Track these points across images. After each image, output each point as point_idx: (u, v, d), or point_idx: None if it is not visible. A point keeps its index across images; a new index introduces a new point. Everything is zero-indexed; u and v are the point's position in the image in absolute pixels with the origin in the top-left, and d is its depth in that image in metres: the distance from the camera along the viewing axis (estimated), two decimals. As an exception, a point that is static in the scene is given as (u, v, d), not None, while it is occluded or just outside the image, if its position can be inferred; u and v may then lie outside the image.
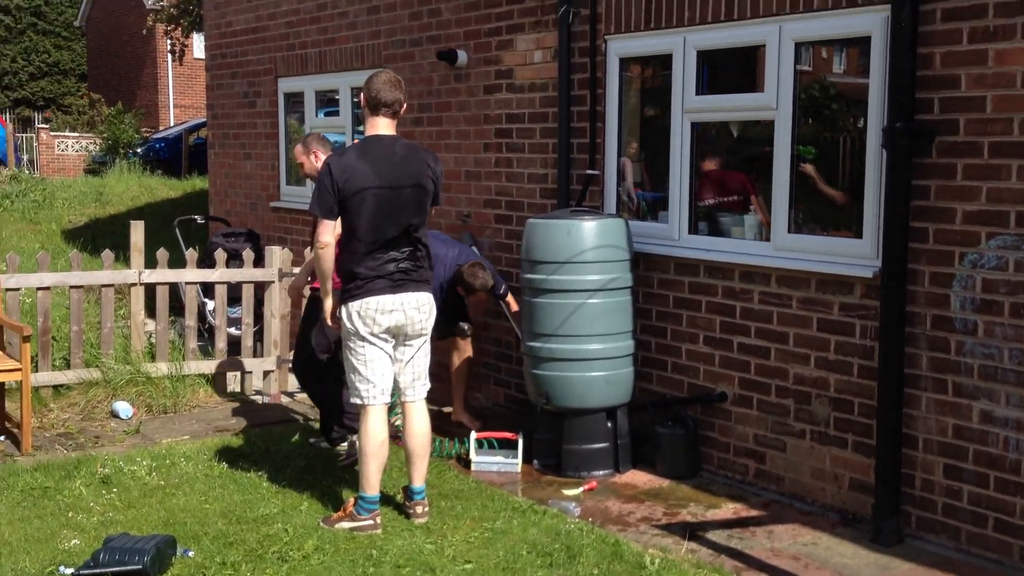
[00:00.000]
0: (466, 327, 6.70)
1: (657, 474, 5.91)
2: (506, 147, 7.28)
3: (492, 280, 6.46)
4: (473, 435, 6.09)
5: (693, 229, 6.15)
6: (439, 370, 7.37)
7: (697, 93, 6.03)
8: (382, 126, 5.04)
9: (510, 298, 6.64)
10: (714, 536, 5.00)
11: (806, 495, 5.47)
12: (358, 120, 8.76)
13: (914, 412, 4.95)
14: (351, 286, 4.93)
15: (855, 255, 5.24)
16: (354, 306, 4.91)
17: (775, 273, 5.55)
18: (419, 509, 5.11)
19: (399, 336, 5.04)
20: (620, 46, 6.48)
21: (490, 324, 7.34)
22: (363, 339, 4.94)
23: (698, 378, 6.03)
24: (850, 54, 5.55)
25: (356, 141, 5.07)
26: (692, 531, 5.05)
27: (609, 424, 5.92)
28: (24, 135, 27.69)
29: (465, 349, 6.90)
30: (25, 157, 24.91)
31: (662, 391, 6.24)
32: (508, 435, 6.08)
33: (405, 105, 5.11)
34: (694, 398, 6.00)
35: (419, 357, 5.15)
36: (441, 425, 6.71)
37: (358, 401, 5.02)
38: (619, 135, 6.57)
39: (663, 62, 6.28)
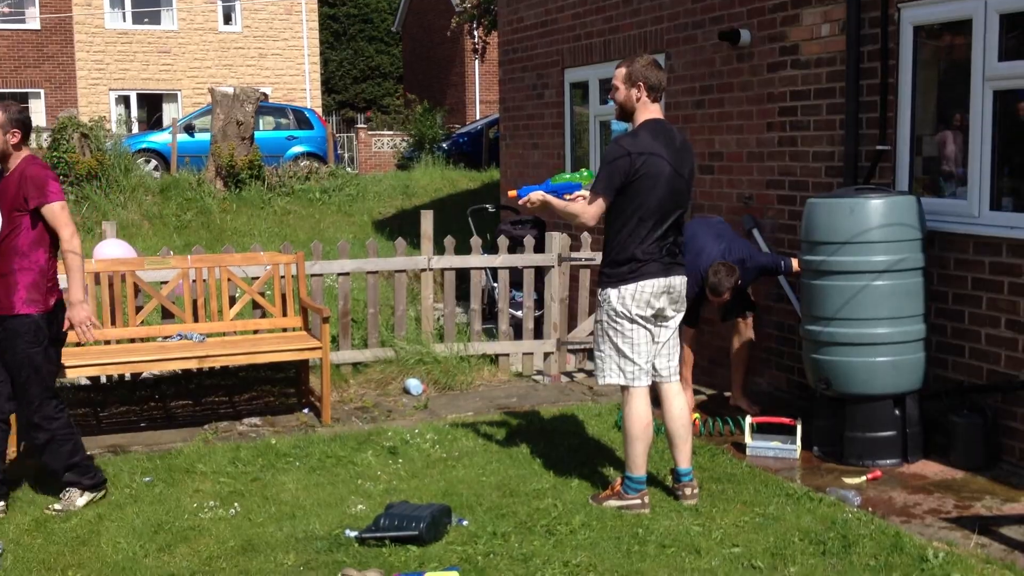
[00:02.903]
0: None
1: (950, 465, 5.49)
2: (790, 125, 7.00)
3: (726, 285, 6.16)
4: (748, 419, 5.91)
5: (995, 205, 5.63)
6: (719, 354, 7.23)
7: (999, 60, 5.51)
8: (658, 111, 5.01)
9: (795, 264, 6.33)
10: (1009, 531, 4.57)
11: None
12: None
13: None
14: (625, 268, 4.91)
15: None
16: (628, 289, 4.89)
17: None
18: (687, 491, 5.03)
19: (659, 318, 4.98)
20: (914, 14, 6.06)
21: (772, 307, 7.09)
22: (632, 320, 4.92)
23: (999, 364, 5.51)
24: None
25: (642, 123, 4.99)
26: (984, 525, 4.64)
27: (897, 412, 5.55)
28: (346, 135, 29.99)
29: (746, 332, 6.71)
30: (346, 155, 26.97)
31: (958, 378, 5.76)
32: (785, 420, 5.85)
33: None
34: (994, 385, 5.50)
35: (674, 338, 5.10)
36: (718, 409, 6.57)
37: (619, 381, 5.01)
38: (912, 108, 6.13)
39: (960, 28, 5.79)
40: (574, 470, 5.52)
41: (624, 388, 5.02)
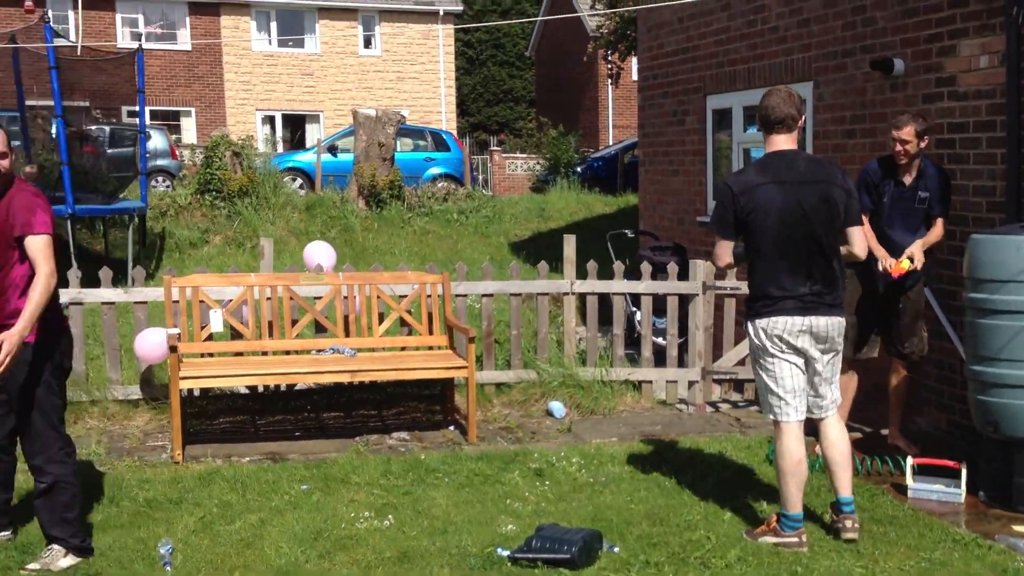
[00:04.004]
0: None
1: None
2: (948, 158, 6.80)
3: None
4: (909, 460, 5.74)
5: None
6: (876, 392, 7.04)
7: None
8: (780, 142, 4.94)
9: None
10: None
11: None
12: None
13: None
14: (759, 304, 4.88)
15: None
16: (761, 323, 4.85)
17: None
18: (848, 523, 4.90)
19: (808, 355, 4.89)
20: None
21: (931, 344, 6.88)
22: (772, 355, 4.86)
23: None
24: None
25: (760, 157, 5.01)
26: None
27: (1073, 459, 5.30)
28: (480, 157, 30.44)
29: (905, 370, 6.52)
30: (480, 177, 27.36)
31: None
32: (949, 463, 5.65)
33: (802, 118, 4.95)
34: None
35: (828, 376, 4.96)
36: (875, 448, 6.40)
37: (769, 415, 4.96)
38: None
39: None
40: (725, 503, 5.45)
41: (774, 422, 4.95)
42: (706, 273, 7.92)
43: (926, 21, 6.95)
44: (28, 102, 14.26)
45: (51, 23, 11.73)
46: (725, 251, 4.96)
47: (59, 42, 12.03)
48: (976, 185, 6.58)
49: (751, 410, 7.73)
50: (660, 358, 8.08)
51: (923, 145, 6.08)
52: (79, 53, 14.88)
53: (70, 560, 4.63)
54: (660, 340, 8.24)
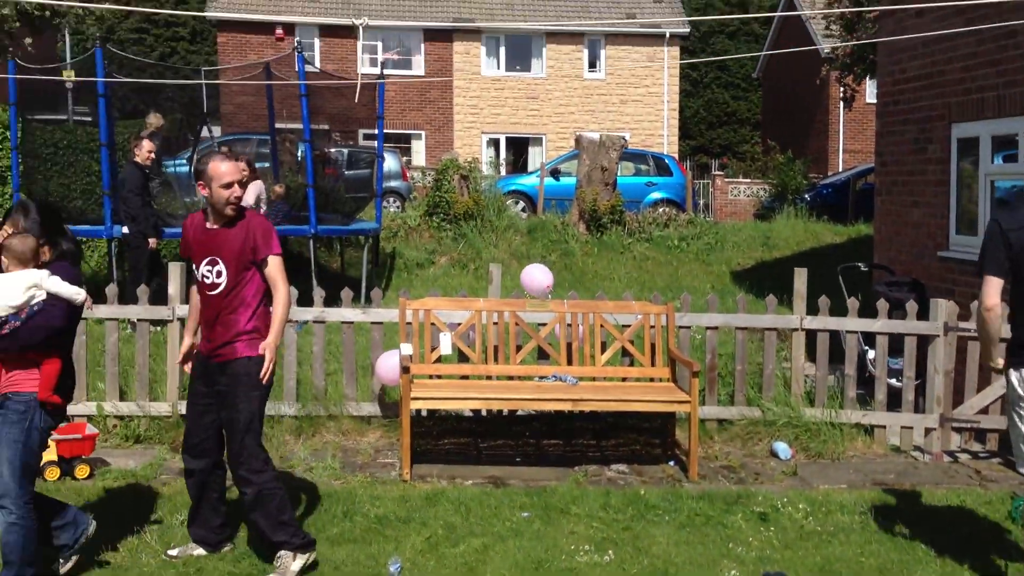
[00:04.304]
0: None
1: None
2: None
3: None
4: None
5: None
6: None
7: None
8: None
9: None
10: None
11: None
12: None
13: None
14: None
15: None
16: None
17: None
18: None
19: None
20: None
21: None
22: None
23: None
24: None
25: None
26: None
27: None
28: (701, 181, 30.08)
29: None
30: (701, 202, 27.01)
31: None
32: None
33: None
34: None
35: None
36: None
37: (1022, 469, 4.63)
38: None
39: None
40: (964, 560, 5.13)
41: (1026, 474, 4.62)
42: (948, 313, 7.49)
43: None
44: (276, 124, 15.27)
45: (303, 52, 12.48)
46: (995, 290, 4.66)
47: (308, 69, 12.78)
48: None
49: (993, 462, 7.25)
50: (893, 401, 7.69)
51: None
52: (323, 80, 15.78)
53: (299, 562, 4.88)
54: (894, 382, 7.84)
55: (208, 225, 4.97)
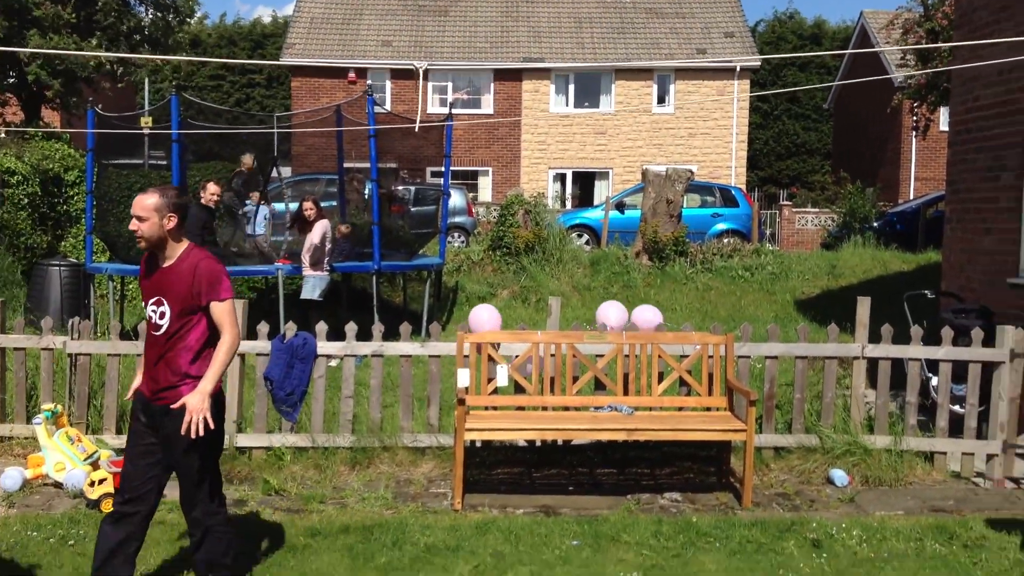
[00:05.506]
0: None
1: None
2: None
3: None
4: None
5: None
6: None
7: None
8: None
9: None
10: None
11: None
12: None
13: None
14: None
15: None
16: None
17: None
18: None
19: None
20: None
21: None
22: None
23: None
24: None
25: None
26: None
27: None
28: (768, 211, 29.82)
29: None
30: (768, 232, 26.76)
31: None
32: None
33: None
34: None
35: None
36: None
37: None
38: None
39: None
40: (1024, 591, 5.00)
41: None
42: (1015, 340, 7.32)
43: None
44: (347, 164, 15.58)
45: (372, 95, 12.76)
46: None
47: (377, 111, 13.05)
48: None
49: (1061, 490, 7.04)
50: (955, 428, 7.52)
51: None
52: (387, 125, 16.08)
53: None
54: (956, 408, 7.67)
55: (160, 263, 4.73)
